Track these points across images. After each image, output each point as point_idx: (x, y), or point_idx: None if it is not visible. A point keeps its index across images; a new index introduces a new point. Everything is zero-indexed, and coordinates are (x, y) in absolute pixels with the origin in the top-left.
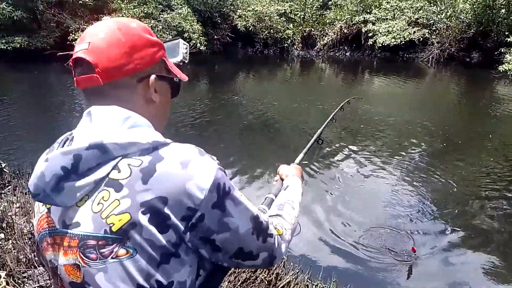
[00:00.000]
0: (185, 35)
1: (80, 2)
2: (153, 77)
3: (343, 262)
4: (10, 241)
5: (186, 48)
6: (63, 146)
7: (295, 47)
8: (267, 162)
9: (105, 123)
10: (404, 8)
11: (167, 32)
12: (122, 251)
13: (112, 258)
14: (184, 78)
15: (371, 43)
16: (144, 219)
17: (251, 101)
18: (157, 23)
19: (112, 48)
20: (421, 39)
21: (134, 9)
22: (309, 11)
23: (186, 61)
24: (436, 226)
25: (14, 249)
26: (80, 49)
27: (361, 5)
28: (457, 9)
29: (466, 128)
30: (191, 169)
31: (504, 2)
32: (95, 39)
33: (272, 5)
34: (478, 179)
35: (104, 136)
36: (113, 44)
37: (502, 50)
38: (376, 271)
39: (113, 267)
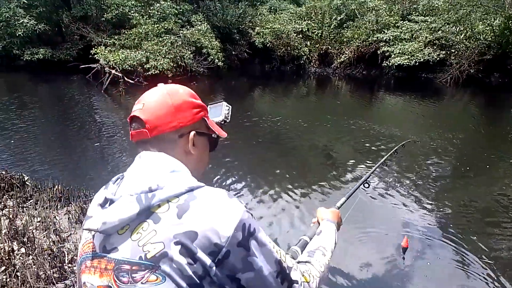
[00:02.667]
0: (204, 50)
1: (103, 18)
2: (192, 133)
3: None
4: (31, 257)
5: (228, 110)
6: (117, 182)
7: (312, 64)
8: (284, 177)
9: (153, 167)
10: (421, 29)
11: (186, 48)
12: (152, 277)
13: (142, 283)
14: (223, 135)
15: (386, 64)
16: (175, 250)
17: (266, 118)
18: (176, 38)
19: (160, 109)
20: (438, 59)
21: (154, 25)
22: (326, 29)
23: (228, 120)
24: (446, 248)
25: (34, 265)
26: (136, 109)
27: (377, 25)
28: (476, 30)
29: (486, 152)
30: (220, 209)
31: None
32: (148, 101)
33: (289, 23)
34: (494, 205)
35: (151, 181)
36: (162, 106)
37: None
38: None
39: None
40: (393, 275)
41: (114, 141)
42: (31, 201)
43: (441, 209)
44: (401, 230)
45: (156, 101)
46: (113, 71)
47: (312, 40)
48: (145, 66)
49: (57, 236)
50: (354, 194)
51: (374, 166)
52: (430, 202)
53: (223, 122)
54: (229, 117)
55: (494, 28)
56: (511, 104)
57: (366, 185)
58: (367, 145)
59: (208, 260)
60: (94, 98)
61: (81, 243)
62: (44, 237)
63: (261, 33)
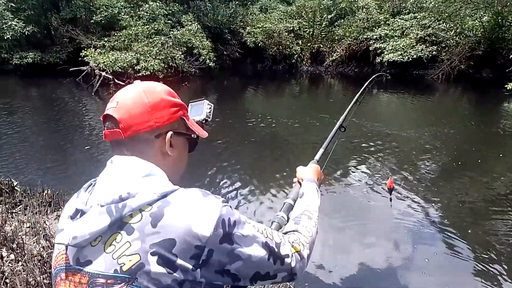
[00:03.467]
0: (195, 51)
1: (93, 20)
2: (169, 133)
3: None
4: (20, 263)
5: (210, 108)
6: (88, 189)
7: (304, 63)
8: (275, 176)
9: (124, 173)
10: (412, 26)
11: (177, 48)
12: None
13: None
14: (203, 135)
15: (379, 61)
16: (152, 260)
17: (259, 117)
18: (167, 39)
19: (135, 107)
20: (430, 56)
21: (144, 26)
22: (317, 28)
23: (209, 119)
24: (442, 243)
25: (23, 271)
26: (109, 107)
27: (368, 22)
28: (466, 26)
29: (476, 146)
30: (196, 211)
31: None
32: (123, 98)
33: (281, 22)
34: (487, 198)
35: (122, 189)
36: (137, 104)
37: None
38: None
39: None
40: (392, 271)
41: (104, 144)
42: (20, 206)
43: (435, 204)
44: (394, 224)
45: (131, 98)
46: (103, 73)
47: (304, 39)
48: (135, 67)
49: (47, 242)
50: (332, 141)
51: (348, 110)
52: (423, 197)
53: (204, 121)
54: (211, 116)
55: (484, 24)
56: (502, 99)
57: (342, 129)
58: (360, 142)
59: (190, 265)
60: (84, 101)
61: (55, 254)
62: (34, 242)
63: (252, 33)
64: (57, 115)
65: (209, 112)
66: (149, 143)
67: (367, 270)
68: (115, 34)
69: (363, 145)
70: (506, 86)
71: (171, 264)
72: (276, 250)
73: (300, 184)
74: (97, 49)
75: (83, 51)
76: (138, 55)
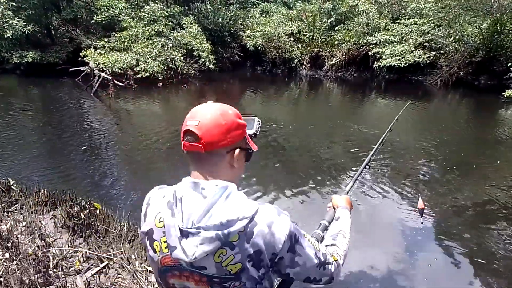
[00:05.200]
0: (195, 53)
1: (93, 20)
2: (237, 150)
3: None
4: (15, 262)
5: (259, 124)
6: (176, 205)
7: (303, 67)
8: (275, 183)
9: (213, 199)
10: (411, 32)
11: (177, 50)
12: (237, 283)
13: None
14: (255, 148)
15: (377, 66)
16: (249, 265)
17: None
18: (167, 41)
19: (214, 128)
20: (428, 61)
21: (144, 27)
22: (317, 32)
23: (258, 134)
24: (440, 248)
25: (17, 270)
26: (191, 124)
27: (368, 28)
28: (465, 33)
29: (474, 153)
30: (274, 229)
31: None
32: (203, 119)
33: (280, 26)
34: (484, 204)
35: (220, 216)
36: (216, 125)
37: (511, 75)
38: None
39: None
40: (394, 277)
41: (101, 144)
42: (16, 205)
43: (433, 209)
44: (393, 232)
45: (210, 120)
46: (103, 74)
47: (303, 43)
48: (135, 69)
49: (42, 241)
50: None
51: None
52: (423, 202)
53: (253, 135)
54: (259, 131)
55: (483, 31)
56: (499, 106)
57: (367, 167)
58: (357, 148)
59: (268, 266)
60: (83, 101)
61: (160, 255)
62: (29, 242)
63: (252, 36)
64: (55, 114)
65: (258, 127)
66: (222, 157)
67: (369, 276)
68: (116, 35)
69: (361, 153)
70: (503, 93)
71: (259, 265)
72: (323, 259)
73: (335, 209)
74: (97, 50)
75: (83, 51)
76: (138, 56)
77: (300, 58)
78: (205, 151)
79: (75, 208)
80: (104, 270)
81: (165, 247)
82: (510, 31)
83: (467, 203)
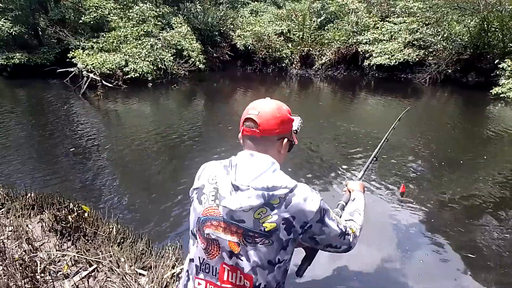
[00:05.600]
0: (184, 53)
1: (81, 21)
2: (286, 140)
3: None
4: (1, 267)
5: (300, 122)
6: (231, 168)
7: (294, 66)
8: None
9: (263, 167)
10: (400, 30)
11: (166, 50)
12: (266, 241)
13: (260, 244)
14: (296, 142)
15: (367, 64)
16: (282, 227)
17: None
18: (156, 41)
19: (271, 119)
20: (417, 59)
21: (133, 27)
22: (307, 31)
23: (299, 131)
24: (428, 242)
25: (4, 276)
26: (252, 113)
27: (357, 26)
28: (453, 31)
29: (462, 149)
30: (308, 202)
31: (498, 26)
32: (263, 110)
33: (270, 25)
34: (472, 199)
35: (268, 180)
36: (273, 117)
37: (498, 73)
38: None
39: (259, 248)
40: (386, 273)
41: (90, 146)
42: (2, 209)
43: (422, 204)
44: (384, 228)
45: (268, 112)
46: (91, 75)
47: (294, 42)
48: (124, 69)
49: (29, 245)
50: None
51: (380, 142)
52: (411, 199)
53: (295, 132)
54: (300, 128)
55: (470, 29)
56: (487, 103)
57: (375, 159)
58: (348, 145)
59: (299, 231)
60: (71, 103)
61: (205, 206)
62: (16, 246)
63: (243, 36)
64: (42, 116)
65: (300, 125)
66: (273, 143)
67: (361, 272)
68: (104, 35)
69: (351, 150)
70: (491, 90)
71: (290, 229)
72: (344, 230)
73: (350, 193)
74: (85, 51)
75: (71, 52)
76: (127, 56)
77: (290, 57)
78: (260, 136)
79: (63, 211)
80: (93, 273)
81: (212, 199)
82: (497, 29)
83: (456, 199)
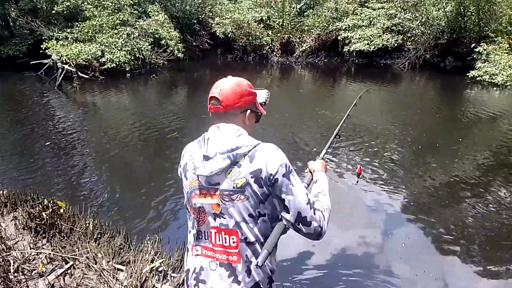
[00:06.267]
0: (162, 42)
1: (54, 10)
2: (248, 111)
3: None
4: None
5: (268, 95)
6: (204, 142)
7: (274, 53)
8: None
9: (228, 134)
10: (379, 16)
11: (144, 39)
12: (242, 197)
13: (237, 200)
14: (264, 112)
15: (346, 50)
16: (251, 181)
17: None
18: (133, 30)
19: (232, 95)
20: (396, 45)
21: (108, 16)
22: (287, 18)
23: (267, 102)
24: (405, 223)
25: None
26: (215, 92)
27: (337, 13)
28: (431, 16)
29: (440, 132)
30: (271, 155)
31: (474, 10)
32: (224, 88)
33: (249, 12)
34: (449, 181)
35: (231, 143)
36: (234, 92)
37: (474, 56)
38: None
39: (238, 204)
40: (369, 257)
41: (66, 140)
42: None
43: (401, 188)
44: (365, 212)
45: (229, 89)
46: (66, 67)
47: (274, 29)
48: (100, 60)
49: (2, 244)
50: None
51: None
52: (390, 183)
53: (264, 104)
54: (268, 100)
55: (447, 14)
56: (464, 86)
57: (338, 137)
58: (329, 131)
59: (268, 184)
60: (46, 95)
61: (189, 181)
62: None
63: (222, 23)
64: (16, 110)
65: (267, 97)
66: (237, 116)
67: (344, 256)
68: (78, 25)
69: (326, 134)
70: (467, 74)
71: (260, 183)
72: (312, 201)
73: (312, 174)
74: (59, 41)
75: (44, 43)
76: (103, 47)
77: (270, 45)
78: (224, 112)
79: (37, 208)
80: (69, 271)
81: (193, 173)
82: (473, 14)
83: (434, 181)
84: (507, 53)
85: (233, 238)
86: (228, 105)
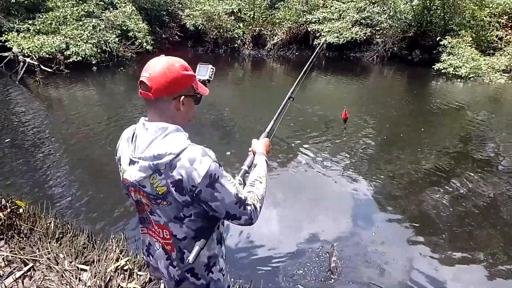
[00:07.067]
0: (130, 34)
1: (14, 0)
2: (182, 97)
3: (284, 266)
4: None
5: (212, 71)
6: (132, 140)
7: (246, 46)
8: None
9: (153, 137)
10: (348, 9)
11: (111, 31)
12: (164, 202)
13: (161, 205)
14: (205, 92)
15: (317, 43)
16: (173, 189)
17: (203, 103)
18: (99, 22)
19: (161, 79)
20: (365, 38)
21: (72, 7)
22: (258, 10)
23: (211, 79)
24: (374, 212)
25: None
26: (144, 76)
27: (307, 5)
28: (398, 10)
29: (406, 122)
30: (195, 165)
31: (439, 4)
32: (153, 72)
33: (220, 5)
34: (416, 170)
35: (154, 150)
36: (163, 77)
37: (440, 49)
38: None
39: (162, 208)
40: (342, 246)
41: (28, 136)
42: None
43: (374, 178)
44: (334, 202)
45: (158, 72)
46: (28, 60)
47: (245, 22)
48: (65, 52)
49: None
50: (283, 112)
51: (297, 81)
52: (363, 173)
53: (207, 81)
54: (212, 77)
55: (414, 7)
56: (430, 78)
57: (291, 99)
58: (299, 124)
59: (190, 194)
60: (7, 90)
61: (121, 176)
62: None
63: (192, 15)
64: None
65: (211, 74)
66: (168, 102)
67: (316, 246)
68: (41, 16)
69: (300, 128)
70: (433, 66)
71: (182, 192)
72: (242, 200)
73: (254, 154)
74: (21, 33)
75: (4, 35)
76: (68, 39)
77: (242, 38)
78: (154, 98)
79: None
80: (28, 273)
81: (123, 173)
82: (438, 7)
83: (402, 171)
84: (470, 46)
85: (165, 232)
86: (158, 92)
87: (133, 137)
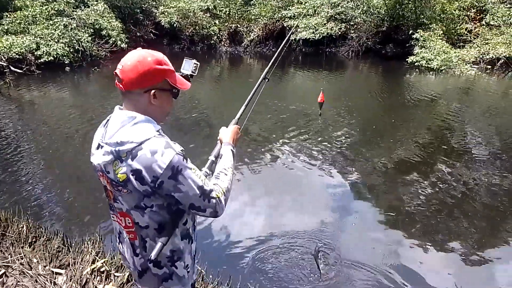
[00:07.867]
0: (103, 32)
1: None
2: (153, 91)
3: (265, 267)
4: None
5: (196, 66)
6: (105, 126)
7: (223, 43)
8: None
9: (120, 124)
10: (323, 4)
11: (83, 30)
12: (125, 190)
13: (122, 192)
14: (185, 88)
15: (293, 39)
16: (132, 178)
17: (181, 101)
18: (70, 20)
19: (132, 72)
20: (340, 33)
21: (42, 6)
22: (233, 7)
23: (195, 74)
24: (357, 205)
25: None
26: (118, 68)
27: (282, 1)
28: (371, 5)
29: (382, 115)
30: (156, 156)
31: None
32: (125, 64)
33: (195, 1)
34: (392, 161)
35: (118, 137)
36: (133, 70)
37: (412, 43)
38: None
39: (123, 195)
40: (319, 237)
41: (3, 140)
42: None
43: (350, 170)
44: (314, 194)
45: (130, 65)
46: None
47: (221, 19)
48: (36, 53)
49: None
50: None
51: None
52: (341, 166)
53: (190, 76)
54: (196, 72)
55: (386, 2)
56: (404, 72)
57: (266, 80)
58: (275, 120)
59: (151, 185)
60: None
61: (91, 160)
62: None
63: (166, 13)
64: None
65: (195, 68)
66: (140, 95)
67: (296, 239)
68: (9, 15)
69: (279, 123)
70: (407, 59)
71: (142, 181)
72: (207, 192)
73: (221, 143)
74: None
75: None
76: (38, 39)
77: (218, 35)
78: (125, 90)
79: None
80: (1, 279)
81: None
82: (410, 2)
83: (379, 163)
84: (441, 39)
85: (128, 220)
86: (129, 85)
87: (106, 123)
